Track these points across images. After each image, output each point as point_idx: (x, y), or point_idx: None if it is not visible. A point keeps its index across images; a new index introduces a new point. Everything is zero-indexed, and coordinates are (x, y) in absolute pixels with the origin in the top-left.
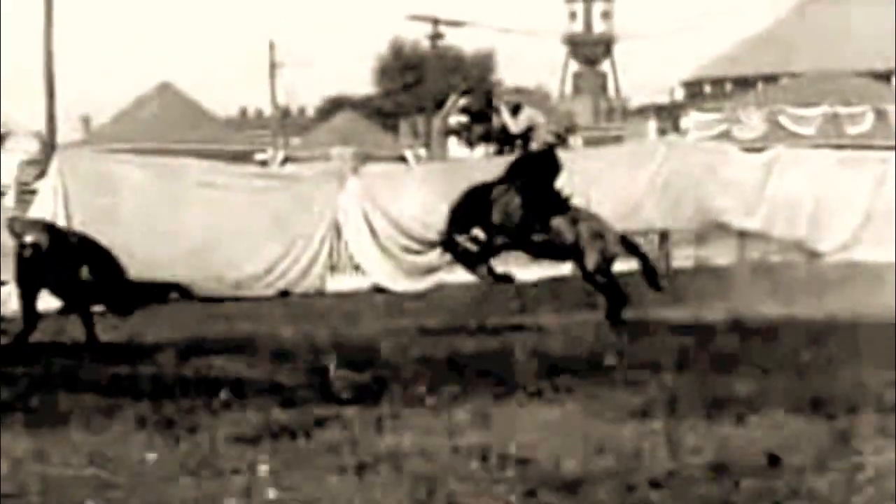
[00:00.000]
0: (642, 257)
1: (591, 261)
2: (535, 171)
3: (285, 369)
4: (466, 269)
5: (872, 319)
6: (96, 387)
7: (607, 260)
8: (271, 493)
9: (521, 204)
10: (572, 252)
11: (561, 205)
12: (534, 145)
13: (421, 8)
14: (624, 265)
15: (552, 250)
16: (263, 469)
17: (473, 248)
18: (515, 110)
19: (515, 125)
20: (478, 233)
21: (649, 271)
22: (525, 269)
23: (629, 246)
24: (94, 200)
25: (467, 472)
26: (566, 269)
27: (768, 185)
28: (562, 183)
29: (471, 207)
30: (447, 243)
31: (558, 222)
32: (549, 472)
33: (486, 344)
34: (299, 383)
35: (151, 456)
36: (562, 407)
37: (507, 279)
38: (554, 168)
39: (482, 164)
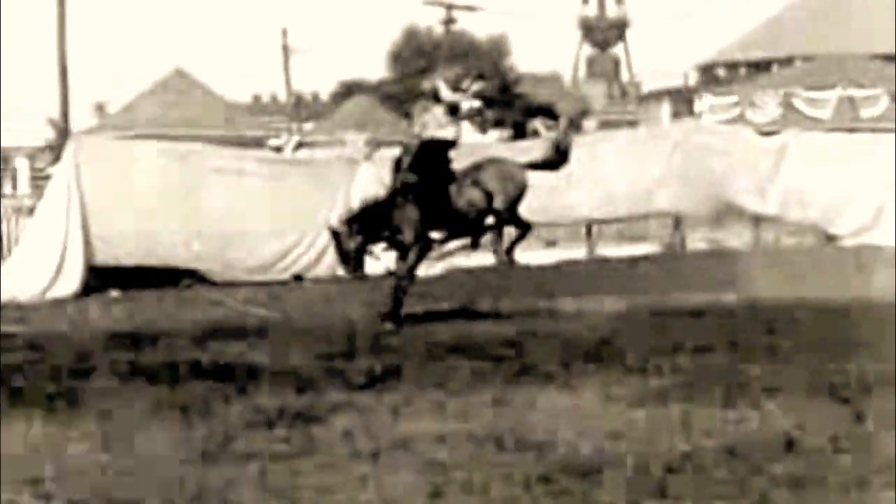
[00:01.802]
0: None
1: (499, 200)
2: (435, 165)
3: (300, 354)
4: (343, 264)
5: (888, 303)
6: (112, 372)
7: (514, 196)
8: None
9: (421, 222)
10: (487, 209)
11: (460, 185)
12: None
13: None
14: (638, 249)
15: (470, 225)
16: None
17: (353, 247)
18: (458, 82)
19: (452, 94)
20: (376, 250)
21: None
22: (540, 253)
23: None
24: (108, 186)
25: (482, 458)
26: (580, 252)
27: (782, 169)
28: (576, 167)
29: (371, 220)
30: (334, 233)
31: (466, 197)
32: (565, 458)
33: (501, 328)
34: (314, 368)
35: (166, 442)
36: (577, 392)
37: (362, 277)
38: (445, 157)
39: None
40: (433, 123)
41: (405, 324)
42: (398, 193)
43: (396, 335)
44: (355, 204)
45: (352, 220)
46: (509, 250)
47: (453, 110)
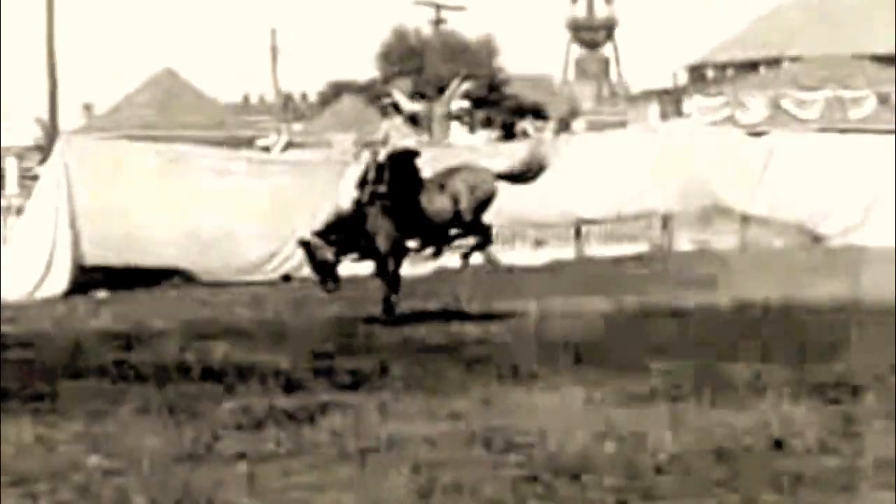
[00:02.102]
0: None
1: (464, 205)
2: (403, 174)
3: (288, 355)
4: (317, 274)
5: (875, 303)
6: (100, 372)
7: (481, 201)
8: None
9: (395, 231)
10: (455, 217)
11: (429, 191)
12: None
13: None
14: (626, 249)
15: (442, 232)
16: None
17: (330, 258)
18: (414, 93)
19: (412, 104)
20: (351, 257)
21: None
22: (529, 253)
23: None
24: (96, 186)
25: (470, 458)
26: (569, 252)
27: (770, 169)
28: (565, 167)
29: (341, 232)
30: (305, 244)
31: (436, 204)
32: (553, 458)
33: (489, 329)
34: (302, 369)
35: (154, 442)
36: (565, 392)
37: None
38: (412, 165)
39: (484, 149)
40: (396, 134)
41: (393, 324)
42: (370, 205)
43: (386, 335)
44: (345, 204)
45: (324, 232)
46: (466, 255)
47: (413, 119)
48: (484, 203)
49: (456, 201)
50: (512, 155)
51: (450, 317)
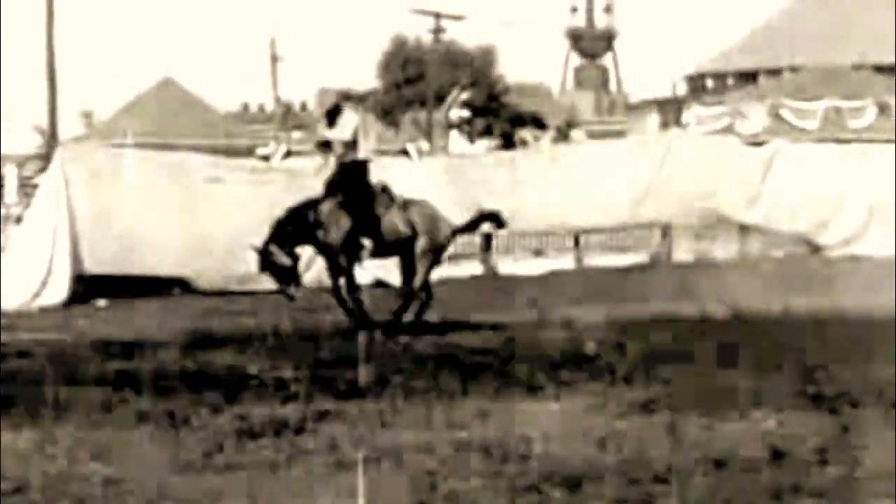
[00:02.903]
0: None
1: (420, 244)
2: (355, 184)
3: (287, 363)
4: (277, 281)
5: (874, 314)
6: (99, 381)
7: (436, 246)
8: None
9: (350, 225)
10: (407, 243)
11: (384, 204)
12: (361, 153)
13: (423, 2)
14: (626, 259)
15: (389, 248)
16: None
17: (288, 262)
18: (333, 114)
19: (335, 131)
20: (298, 251)
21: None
22: (528, 263)
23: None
24: (96, 194)
25: (469, 468)
26: (569, 262)
27: (770, 179)
28: (564, 177)
29: (297, 227)
30: (262, 252)
31: (389, 218)
32: (552, 467)
33: (488, 338)
34: (301, 378)
35: (154, 451)
36: (564, 401)
37: (290, 298)
38: (365, 175)
39: (484, 158)
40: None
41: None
42: (327, 198)
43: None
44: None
45: (277, 235)
46: (397, 312)
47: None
48: (438, 251)
49: (413, 229)
50: (510, 163)
51: (448, 325)
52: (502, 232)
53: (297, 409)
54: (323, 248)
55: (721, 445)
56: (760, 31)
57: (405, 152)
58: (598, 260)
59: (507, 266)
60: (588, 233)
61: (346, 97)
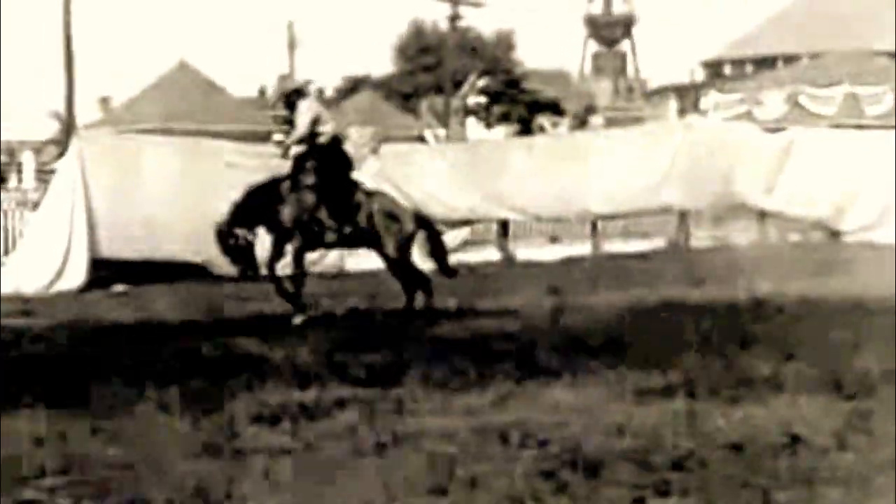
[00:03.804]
0: (434, 236)
1: (390, 246)
2: (326, 165)
3: (304, 349)
4: (234, 263)
5: (893, 300)
6: (116, 366)
7: (405, 240)
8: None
9: (315, 201)
10: (371, 237)
11: (355, 193)
12: (321, 139)
13: None
14: (643, 245)
15: (351, 239)
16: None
17: (244, 243)
18: (291, 98)
19: (297, 117)
20: (260, 231)
21: (439, 252)
22: (545, 249)
23: (424, 223)
24: (113, 180)
25: (487, 453)
26: (586, 248)
27: (788, 166)
28: (582, 163)
29: (256, 205)
30: (222, 234)
31: (359, 202)
32: (570, 453)
33: (506, 324)
34: (318, 363)
35: (172, 436)
36: (581, 387)
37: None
38: (345, 160)
39: (502, 144)
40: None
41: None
42: (293, 178)
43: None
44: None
45: (237, 215)
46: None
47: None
48: (407, 240)
49: (371, 220)
50: (528, 148)
51: (466, 311)
52: (520, 218)
53: (314, 394)
54: (275, 227)
55: (738, 431)
56: (778, 17)
57: (422, 138)
58: (616, 246)
59: (523, 251)
60: (606, 219)
61: (363, 82)
